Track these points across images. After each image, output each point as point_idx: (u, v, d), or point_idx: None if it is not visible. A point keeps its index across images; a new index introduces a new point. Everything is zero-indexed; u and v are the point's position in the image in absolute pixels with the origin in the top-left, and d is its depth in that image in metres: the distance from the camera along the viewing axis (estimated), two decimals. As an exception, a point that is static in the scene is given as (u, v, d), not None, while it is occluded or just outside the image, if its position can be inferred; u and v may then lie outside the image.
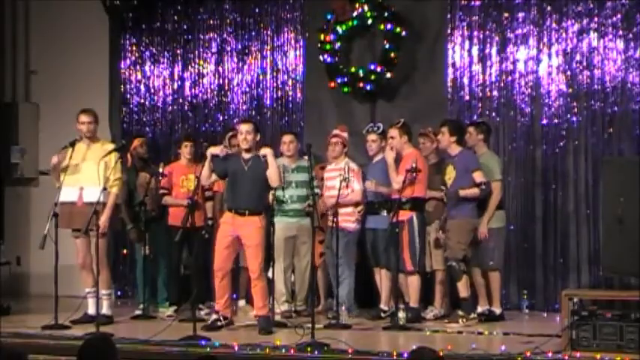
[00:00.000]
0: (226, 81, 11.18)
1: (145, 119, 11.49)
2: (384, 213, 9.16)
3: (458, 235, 8.88)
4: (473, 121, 9.68)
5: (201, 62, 11.27)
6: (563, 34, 9.92)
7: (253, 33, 11.09)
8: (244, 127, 8.68)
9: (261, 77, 11.00)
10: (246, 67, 11.10)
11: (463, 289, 8.89)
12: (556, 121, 9.92)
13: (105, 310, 8.98)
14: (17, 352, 4.70)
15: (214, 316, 8.52)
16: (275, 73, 11.00)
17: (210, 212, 9.77)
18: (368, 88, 10.36)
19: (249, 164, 8.61)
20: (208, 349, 7.59)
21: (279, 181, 8.71)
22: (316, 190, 9.18)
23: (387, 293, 9.28)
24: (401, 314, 8.73)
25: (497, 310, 9.14)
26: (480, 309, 9.06)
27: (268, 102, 11.03)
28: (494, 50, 10.17)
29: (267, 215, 8.98)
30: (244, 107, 11.09)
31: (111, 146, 9.24)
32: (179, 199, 9.59)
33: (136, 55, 11.53)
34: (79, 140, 9.11)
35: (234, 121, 10.95)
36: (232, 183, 8.66)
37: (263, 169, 8.57)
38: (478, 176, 8.88)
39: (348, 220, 9.33)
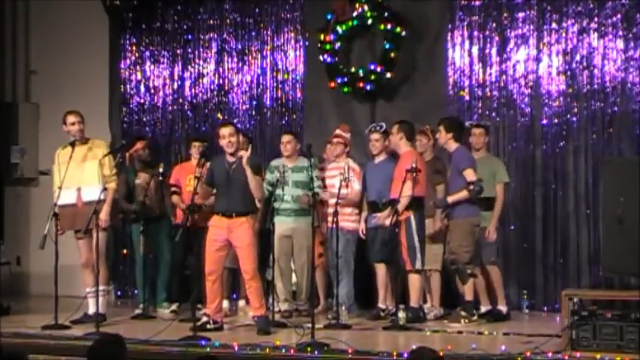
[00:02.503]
0: (226, 81, 11.18)
1: (145, 119, 11.50)
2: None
3: (459, 238, 8.74)
4: (478, 122, 9.54)
5: (201, 62, 11.28)
6: (563, 34, 9.91)
7: (253, 33, 11.09)
8: (226, 131, 8.50)
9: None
10: (246, 67, 11.11)
11: (469, 292, 8.83)
12: (556, 121, 9.91)
13: (100, 308, 8.92)
14: (17, 352, 4.69)
15: (205, 319, 8.52)
16: (275, 73, 11.01)
17: None
18: (368, 88, 10.35)
19: (233, 167, 8.47)
20: (208, 349, 7.58)
21: (261, 192, 8.58)
22: (316, 190, 9.16)
23: (384, 290, 9.27)
24: (401, 314, 8.72)
25: (504, 309, 9.12)
26: (483, 309, 9.06)
27: (268, 102, 11.03)
28: (494, 50, 10.16)
29: (268, 217, 8.99)
30: (244, 107, 11.10)
31: (103, 145, 9.27)
32: (184, 197, 9.58)
33: (136, 55, 11.53)
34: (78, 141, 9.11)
35: (235, 121, 10.97)
36: (219, 187, 8.54)
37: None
38: (469, 175, 8.70)
39: (348, 219, 9.34)
